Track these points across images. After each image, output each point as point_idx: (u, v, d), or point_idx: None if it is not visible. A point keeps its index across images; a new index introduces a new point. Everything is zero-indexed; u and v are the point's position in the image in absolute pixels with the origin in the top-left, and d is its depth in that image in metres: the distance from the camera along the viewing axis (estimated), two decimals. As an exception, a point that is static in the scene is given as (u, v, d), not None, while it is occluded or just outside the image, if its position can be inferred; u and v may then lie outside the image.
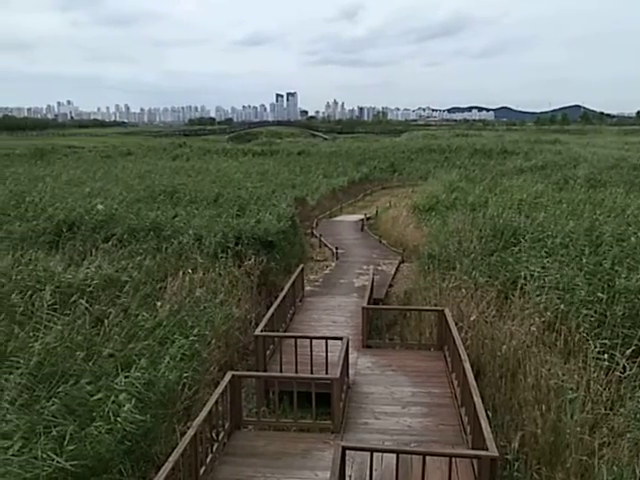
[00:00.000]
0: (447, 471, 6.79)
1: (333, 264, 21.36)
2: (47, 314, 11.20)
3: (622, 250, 13.96)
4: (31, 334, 10.48)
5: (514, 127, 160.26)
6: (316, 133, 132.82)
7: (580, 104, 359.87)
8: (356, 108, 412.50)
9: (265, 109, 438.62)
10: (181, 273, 14.92)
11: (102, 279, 13.61)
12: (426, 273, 16.37)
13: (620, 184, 28.46)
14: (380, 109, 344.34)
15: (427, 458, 6.73)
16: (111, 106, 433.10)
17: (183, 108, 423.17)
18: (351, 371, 10.93)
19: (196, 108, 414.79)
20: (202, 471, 7.56)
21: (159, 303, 13.10)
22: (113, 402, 8.50)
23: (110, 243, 17.03)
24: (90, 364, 9.72)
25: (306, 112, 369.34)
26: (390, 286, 18.40)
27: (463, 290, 13.78)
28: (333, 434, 8.88)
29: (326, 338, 10.91)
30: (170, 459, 6.68)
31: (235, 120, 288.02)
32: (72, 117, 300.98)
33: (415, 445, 8.26)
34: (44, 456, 7.08)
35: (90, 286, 13.09)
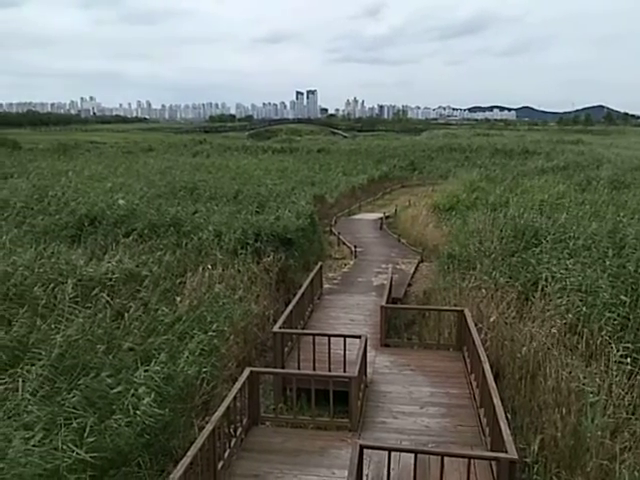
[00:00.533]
0: (465, 472, 6.74)
1: (352, 262, 21.33)
2: (69, 307, 11.34)
3: (646, 253, 13.73)
4: (53, 326, 10.61)
5: (536, 127, 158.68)
6: (336, 131, 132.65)
7: (604, 104, 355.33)
8: (376, 106, 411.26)
9: (285, 107, 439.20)
10: (200, 269, 15.01)
11: (123, 273, 13.73)
12: (446, 273, 16.27)
13: (644, 186, 28.00)
14: (400, 107, 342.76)
15: (445, 459, 6.68)
16: (133, 102, 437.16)
17: (204, 105, 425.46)
18: (369, 370, 10.90)
19: (217, 105, 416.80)
20: (220, 466, 7.60)
21: (178, 298, 13.21)
22: (133, 395, 8.58)
23: (131, 238, 17.19)
24: (110, 357, 9.83)
25: (326, 110, 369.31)
26: (409, 285, 18.32)
27: (483, 290, 13.67)
28: (350, 432, 8.87)
29: (344, 336, 10.90)
30: (188, 453, 6.72)
31: (255, 117, 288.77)
32: (94, 113, 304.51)
33: (433, 445, 8.21)
34: (64, 447, 7.16)
35: (111, 280, 13.24)
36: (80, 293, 12.15)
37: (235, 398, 8.33)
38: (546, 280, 12.96)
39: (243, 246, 17.00)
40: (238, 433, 8.51)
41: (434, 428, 9.12)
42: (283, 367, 11.07)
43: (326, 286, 17.27)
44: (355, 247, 22.77)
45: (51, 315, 11.11)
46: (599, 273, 12.69)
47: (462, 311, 12.24)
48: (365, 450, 6.79)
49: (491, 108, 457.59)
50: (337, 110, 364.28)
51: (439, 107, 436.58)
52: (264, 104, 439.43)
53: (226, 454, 7.91)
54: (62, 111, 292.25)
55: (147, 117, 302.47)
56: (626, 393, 8.85)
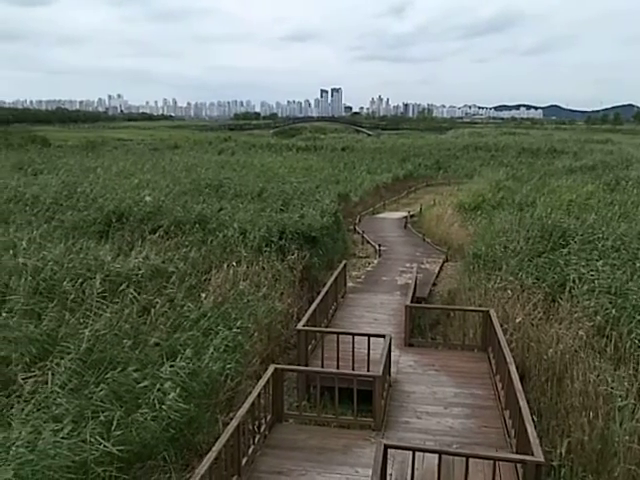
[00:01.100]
0: (490, 475, 6.68)
1: (375, 261, 21.27)
2: (97, 302, 11.50)
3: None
4: (81, 321, 10.78)
5: (563, 126, 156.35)
6: (360, 129, 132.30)
7: (633, 103, 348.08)
8: (401, 104, 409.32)
9: (309, 104, 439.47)
10: (225, 266, 15.11)
11: (149, 269, 13.89)
12: (471, 273, 16.14)
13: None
14: (425, 106, 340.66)
15: (470, 460, 6.63)
16: (159, 100, 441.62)
17: (229, 103, 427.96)
18: (393, 369, 10.87)
19: (241, 103, 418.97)
20: (244, 462, 7.65)
21: (203, 294, 13.31)
22: (158, 390, 8.69)
23: (157, 234, 17.38)
24: (137, 352, 9.95)
25: (350, 108, 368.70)
26: (433, 285, 18.22)
27: (509, 291, 13.53)
28: (374, 432, 8.85)
29: (368, 335, 10.88)
30: (214, 448, 6.77)
31: (280, 115, 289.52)
32: (122, 110, 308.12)
33: (457, 446, 8.15)
34: (92, 440, 7.29)
35: (138, 275, 13.39)
36: (108, 288, 12.30)
37: (259, 395, 8.37)
38: (574, 281, 12.79)
39: (267, 244, 17.08)
40: (262, 430, 8.55)
41: (458, 429, 9.06)
42: (307, 365, 11.10)
43: (350, 285, 17.26)
44: (379, 246, 22.71)
45: (79, 310, 11.30)
46: (629, 275, 12.47)
47: (487, 311, 12.12)
48: (389, 450, 6.77)
49: (518, 107, 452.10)
50: (361, 108, 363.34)
51: (465, 105, 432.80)
52: (288, 102, 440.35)
53: (250, 450, 7.96)
54: (90, 108, 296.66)
55: (173, 115, 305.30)
56: (656, 398, 8.68)
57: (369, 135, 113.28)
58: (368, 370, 10.18)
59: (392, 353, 10.82)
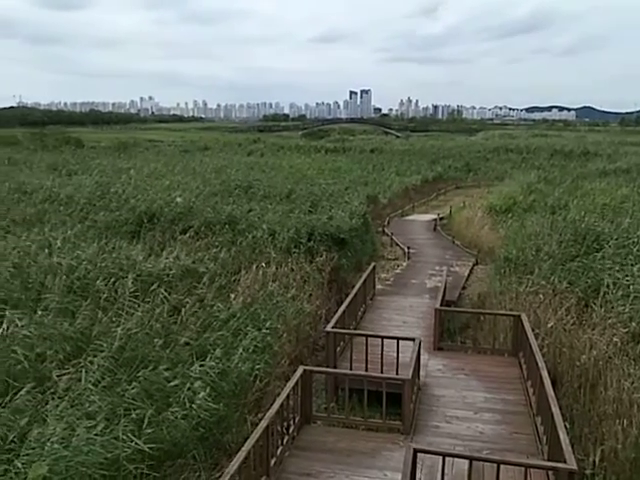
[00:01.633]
0: (521, 481, 6.58)
1: (404, 264, 21.16)
2: (129, 301, 11.69)
3: None
4: (114, 319, 10.97)
5: (597, 128, 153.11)
6: (389, 131, 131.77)
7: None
8: (430, 106, 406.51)
9: (338, 106, 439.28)
10: (255, 266, 15.21)
11: (180, 269, 14.07)
12: (502, 276, 15.94)
13: None
14: (455, 107, 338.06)
15: (501, 467, 6.54)
16: (189, 102, 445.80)
17: (258, 104, 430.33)
18: (422, 373, 10.80)
19: (270, 104, 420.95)
20: (272, 462, 7.67)
21: (233, 295, 13.42)
22: (188, 389, 8.78)
23: (188, 235, 17.60)
24: (167, 351, 10.08)
25: (379, 110, 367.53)
26: (463, 288, 18.05)
27: (540, 296, 13.34)
28: (402, 435, 8.80)
29: (398, 338, 10.83)
30: (243, 449, 6.81)
31: (308, 117, 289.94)
32: (153, 112, 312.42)
33: (487, 452, 8.06)
34: (124, 437, 7.39)
35: (169, 275, 13.58)
36: (139, 288, 12.50)
37: (288, 396, 8.40)
38: (608, 286, 12.53)
39: (296, 245, 17.14)
40: (290, 431, 8.58)
41: (489, 434, 8.96)
42: (335, 367, 11.09)
43: (379, 287, 17.20)
44: (408, 248, 22.59)
45: (112, 308, 11.50)
46: (666, 280, 12.17)
47: (519, 316, 11.96)
48: (418, 454, 6.72)
49: (550, 108, 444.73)
50: (390, 110, 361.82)
51: (495, 107, 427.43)
52: (317, 104, 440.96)
53: (278, 451, 7.99)
54: (122, 110, 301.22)
55: (203, 116, 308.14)
56: (693, 407, 8.45)
57: (398, 137, 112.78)
58: (397, 373, 10.13)
59: (421, 356, 10.75)
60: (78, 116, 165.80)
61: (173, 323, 11.54)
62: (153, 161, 43.46)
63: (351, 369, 10.60)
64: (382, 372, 10.31)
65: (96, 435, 7.13)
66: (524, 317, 11.79)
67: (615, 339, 10.55)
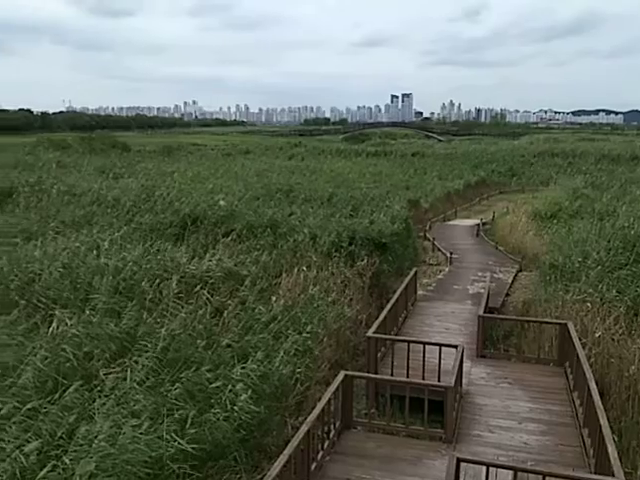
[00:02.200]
0: (568, 495, 6.40)
1: (446, 269, 20.91)
2: (173, 302, 11.89)
3: None
4: (158, 320, 11.18)
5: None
6: (431, 134, 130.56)
7: None
8: (473, 109, 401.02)
9: (379, 110, 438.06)
10: (295, 270, 15.26)
11: (222, 272, 14.21)
12: (547, 284, 15.58)
13: None
14: (499, 111, 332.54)
15: (547, 479, 6.38)
16: (232, 106, 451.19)
17: (299, 108, 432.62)
18: (464, 380, 10.64)
19: (311, 108, 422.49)
20: (313, 467, 7.67)
21: (274, 298, 13.48)
22: (230, 391, 8.86)
23: (230, 238, 17.78)
24: (210, 353, 10.19)
25: (421, 113, 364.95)
26: (507, 295, 17.72)
27: (588, 304, 12.97)
28: (445, 444, 8.68)
29: (440, 345, 10.71)
30: (284, 452, 6.83)
31: (349, 121, 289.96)
32: (196, 116, 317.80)
33: (532, 464, 7.86)
34: (167, 437, 7.51)
35: (211, 278, 13.74)
36: (183, 289, 12.72)
37: (329, 401, 8.39)
38: (659, 296, 12.10)
39: (337, 249, 17.12)
40: (331, 436, 8.56)
41: (533, 445, 8.75)
42: (376, 372, 11.02)
43: (420, 292, 17.04)
44: (450, 253, 22.31)
45: (156, 309, 11.73)
46: None
47: (565, 324, 11.65)
48: (461, 463, 6.61)
49: (596, 111, 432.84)
50: (432, 113, 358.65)
51: (540, 110, 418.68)
52: (358, 107, 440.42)
53: (319, 456, 7.98)
54: (167, 115, 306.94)
55: (245, 120, 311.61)
56: None
57: (440, 141, 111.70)
58: (439, 380, 10.01)
59: (464, 364, 10.59)
60: (125, 120, 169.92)
61: (215, 325, 11.69)
62: (196, 165, 44.18)
63: (392, 375, 10.52)
64: (424, 379, 10.20)
65: (141, 434, 7.27)
66: (571, 326, 11.49)
67: (667, 351, 10.19)
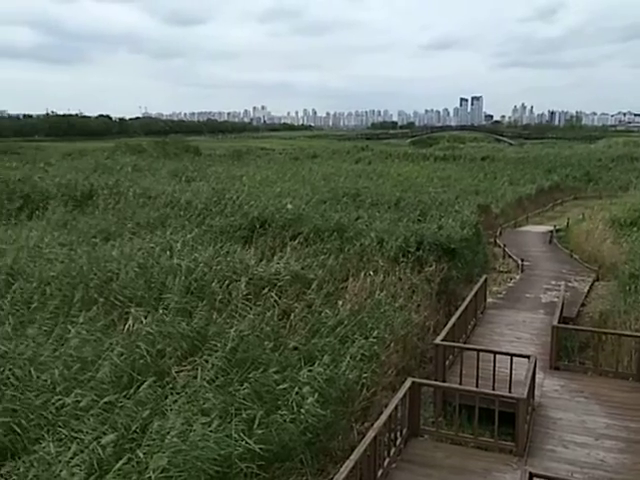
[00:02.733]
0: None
1: (517, 277, 20.30)
2: (242, 303, 12.10)
3: None
4: (227, 321, 11.40)
5: None
6: (501, 138, 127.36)
7: None
8: (546, 112, 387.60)
9: (448, 113, 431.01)
10: (362, 274, 15.21)
11: (289, 274, 14.31)
12: (627, 294, 14.83)
13: None
14: (574, 113, 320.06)
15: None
16: (300, 111, 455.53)
17: (366, 112, 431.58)
18: (537, 393, 10.28)
19: (379, 112, 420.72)
20: (379, 474, 7.61)
21: (340, 302, 13.48)
22: (297, 393, 8.90)
23: (297, 241, 17.91)
24: (277, 354, 10.30)
25: (491, 116, 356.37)
26: (582, 305, 16.99)
27: (672, 317, 12.25)
28: (516, 457, 8.42)
29: (511, 355, 10.39)
30: (351, 457, 6.80)
31: (417, 124, 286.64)
32: (265, 121, 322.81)
33: (610, 483, 7.51)
34: (236, 436, 7.62)
35: (279, 280, 13.86)
36: (252, 291, 12.91)
37: (396, 407, 8.30)
38: None
39: (404, 254, 16.93)
40: (398, 443, 8.46)
41: (611, 463, 8.35)
42: (444, 380, 10.82)
43: (490, 300, 16.63)
44: (522, 260, 21.63)
45: (226, 310, 11.96)
46: None
47: (647, 338, 11.06)
48: (534, 478, 6.38)
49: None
50: (503, 117, 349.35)
51: (618, 113, 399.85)
52: (426, 111, 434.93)
53: (386, 462, 7.90)
54: (236, 119, 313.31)
55: (312, 124, 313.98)
56: None
57: (511, 144, 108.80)
58: (509, 391, 9.71)
59: (536, 375, 10.23)
60: (196, 125, 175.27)
61: (282, 327, 11.80)
62: (265, 168, 44.88)
63: (460, 384, 10.29)
64: (494, 389, 9.93)
65: (210, 432, 7.41)
66: (653, 339, 10.89)
67: None
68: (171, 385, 8.95)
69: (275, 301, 12.76)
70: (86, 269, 13.45)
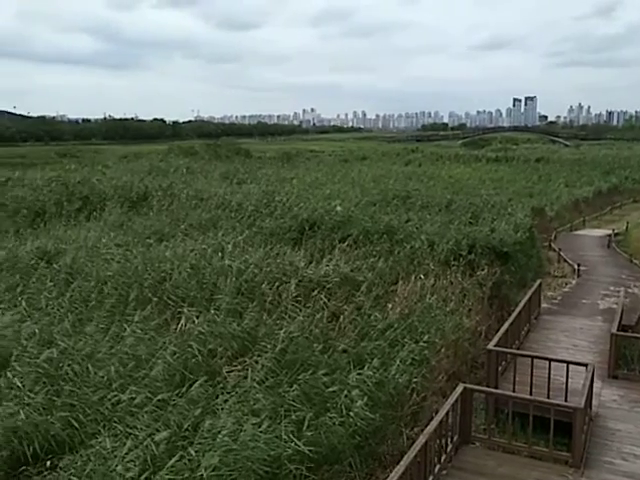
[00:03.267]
0: None
1: (573, 282, 19.68)
2: (291, 305, 12.16)
3: None
4: (277, 322, 11.48)
5: None
6: (556, 139, 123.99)
7: None
8: (604, 112, 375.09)
9: (500, 114, 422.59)
10: (412, 278, 15.04)
11: (339, 277, 14.30)
12: (692, 302, 14.16)
13: None
14: (633, 113, 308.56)
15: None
16: (349, 113, 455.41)
17: (416, 114, 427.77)
18: (594, 402, 9.90)
19: (429, 114, 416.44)
20: (430, 480, 7.49)
21: (390, 305, 13.38)
22: (346, 396, 8.88)
23: (346, 243, 17.88)
24: (326, 357, 10.29)
25: (545, 117, 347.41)
26: (643, 312, 16.31)
27: None
28: (572, 468, 8.14)
29: (567, 362, 10.05)
30: (401, 463, 6.72)
31: (468, 126, 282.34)
32: (314, 124, 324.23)
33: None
34: (285, 437, 7.65)
35: (328, 282, 13.86)
36: (301, 293, 12.97)
37: (447, 413, 8.16)
38: None
39: (456, 257, 16.64)
40: (448, 450, 8.32)
41: (674, 479, 7.96)
42: (496, 387, 10.56)
43: (544, 306, 16.17)
44: (578, 265, 20.96)
45: (276, 311, 12.05)
46: None
47: None
48: (592, 492, 6.15)
49: None
50: (558, 117, 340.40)
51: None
52: (478, 112, 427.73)
53: (436, 469, 7.78)
54: (286, 122, 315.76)
55: (362, 127, 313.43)
56: None
57: (566, 145, 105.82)
58: (566, 400, 9.40)
59: (594, 384, 9.86)
60: (247, 128, 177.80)
61: (331, 329, 11.80)
62: (314, 171, 45.04)
63: (514, 391, 10.03)
64: (549, 397, 9.64)
65: (261, 432, 7.48)
66: None
67: None
68: (222, 385, 9.08)
69: (324, 303, 12.77)
70: (141, 269, 13.81)
